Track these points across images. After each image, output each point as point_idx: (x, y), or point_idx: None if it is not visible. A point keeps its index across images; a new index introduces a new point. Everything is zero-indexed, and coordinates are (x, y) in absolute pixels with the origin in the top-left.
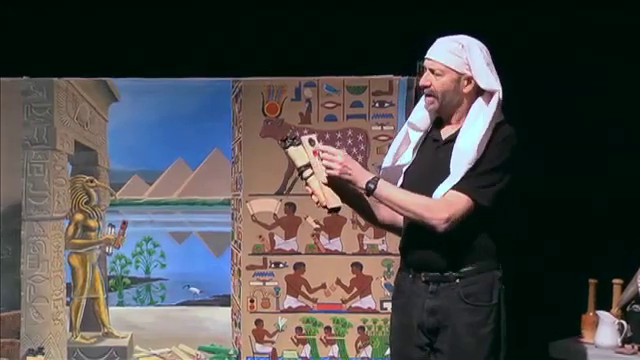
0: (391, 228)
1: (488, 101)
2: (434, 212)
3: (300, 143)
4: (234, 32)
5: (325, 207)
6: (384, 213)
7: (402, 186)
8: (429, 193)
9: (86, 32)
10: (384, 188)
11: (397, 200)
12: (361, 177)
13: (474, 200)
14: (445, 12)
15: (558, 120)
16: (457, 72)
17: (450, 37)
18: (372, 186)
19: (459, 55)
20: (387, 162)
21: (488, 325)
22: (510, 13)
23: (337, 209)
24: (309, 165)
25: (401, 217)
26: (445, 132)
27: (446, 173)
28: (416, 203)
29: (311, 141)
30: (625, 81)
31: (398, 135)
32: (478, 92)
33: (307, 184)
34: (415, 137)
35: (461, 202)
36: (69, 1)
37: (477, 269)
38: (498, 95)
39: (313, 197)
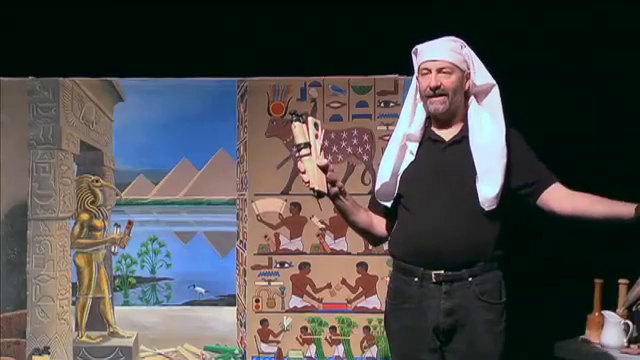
0: (365, 233)
1: (482, 98)
2: None
3: (305, 122)
4: (240, 32)
5: (312, 189)
6: (361, 218)
7: (403, 189)
8: (453, 191)
9: (91, 32)
10: None
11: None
12: None
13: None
14: (450, 12)
15: (564, 114)
16: (461, 69)
17: (444, 38)
18: None
19: (460, 53)
20: (385, 176)
21: (502, 323)
22: (513, 12)
23: (323, 194)
24: (308, 145)
25: (377, 223)
26: (446, 134)
27: (467, 171)
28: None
29: (316, 125)
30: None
31: (391, 148)
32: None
33: (301, 161)
34: (414, 147)
35: None
36: (74, 1)
37: (486, 267)
38: (496, 88)
39: (303, 176)
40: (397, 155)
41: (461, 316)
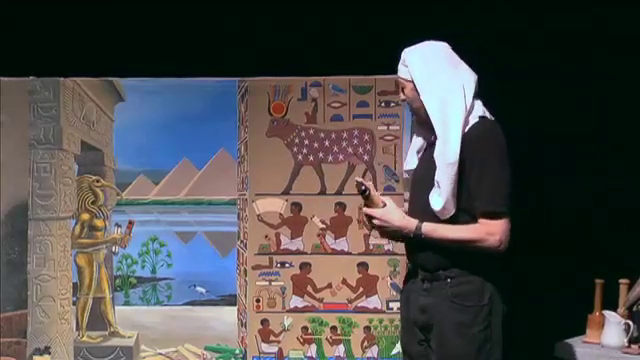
0: None
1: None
2: (484, 244)
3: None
4: (240, 32)
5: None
6: None
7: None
8: (423, 195)
9: (92, 32)
10: (430, 230)
11: (444, 239)
12: (404, 227)
13: (499, 215)
14: (449, 12)
15: (564, 114)
16: (410, 81)
17: (407, 48)
18: (419, 232)
19: (405, 64)
20: (405, 167)
21: (477, 325)
22: (513, 12)
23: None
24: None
25: None
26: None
27: (431, 177)
28: (462, 239)
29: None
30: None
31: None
32: None
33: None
34: (418, 141)
35: (494, 225)
36: (75, 1)
37: (470, 270)
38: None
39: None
40: (410, 147)
41: (432, 315)
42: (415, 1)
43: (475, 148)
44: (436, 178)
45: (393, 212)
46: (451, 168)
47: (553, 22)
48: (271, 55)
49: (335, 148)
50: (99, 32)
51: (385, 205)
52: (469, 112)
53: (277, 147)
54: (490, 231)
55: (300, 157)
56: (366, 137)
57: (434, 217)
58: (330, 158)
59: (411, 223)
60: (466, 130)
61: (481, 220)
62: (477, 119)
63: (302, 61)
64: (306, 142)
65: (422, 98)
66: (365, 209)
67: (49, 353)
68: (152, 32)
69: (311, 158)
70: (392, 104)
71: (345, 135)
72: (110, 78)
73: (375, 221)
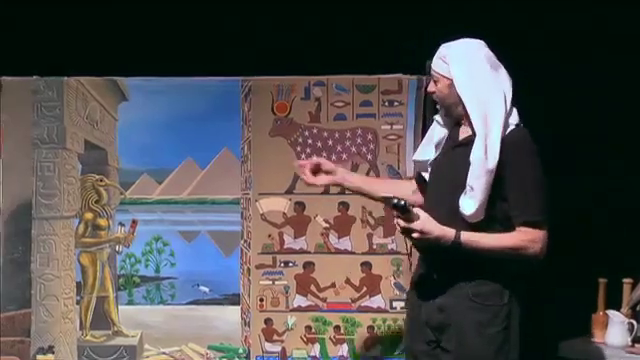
0: None
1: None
2: (526, 251)
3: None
4: (243, 31)
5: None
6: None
7: (428, 183)
8: (450, 197)
9: (96, 31)
10: (468, 239)
11: (485, 248)
12: (442, 236)
13: (540, 223)
14: (449, 12)
15: (564, 114)
16: (447, 77)
17: (447, 43)
18: (458, 241)
19: (445, 61)
20: (414, 155)
21: (496, 325)
22: (513, 12)
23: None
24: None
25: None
26: (462, 133)
27: (461, 178)
28: (504, 247)
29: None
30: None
31: (429, 130)
32: None
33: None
34: (439, 133)
35: (536, 233)
36: (78, 0)
37: (490, 270)
38: (477, 100)
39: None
40: (427, 136)
41: (450, 314)
42: (415, 1)
43: (514, 156)
44: (469, 182)
45: (429, 222)
46: (490, 174)
47: (553, 22)
48: (272, 55)
49: (338, 147)
50: (102, 32)
51: (419, 217)
52: (507, 117)
53: (280, 146)
54: (532, 239)
55: (303, 156)
56: (369, 136)
57: (462, 221)
58: (333, 157)
59: (449, 233)
60: (504, 135)
61: (522, 228)
62: (513, 126)
63: (305, 60)
64: (309, 141)
65: (463, 99)
66: (402, 223)
67: (53, 352)
68: (155, 32)
69: (314, 157)
70: (395, 103)
71: (348, 134)
72: (114, 77)
73: (414, 234)
